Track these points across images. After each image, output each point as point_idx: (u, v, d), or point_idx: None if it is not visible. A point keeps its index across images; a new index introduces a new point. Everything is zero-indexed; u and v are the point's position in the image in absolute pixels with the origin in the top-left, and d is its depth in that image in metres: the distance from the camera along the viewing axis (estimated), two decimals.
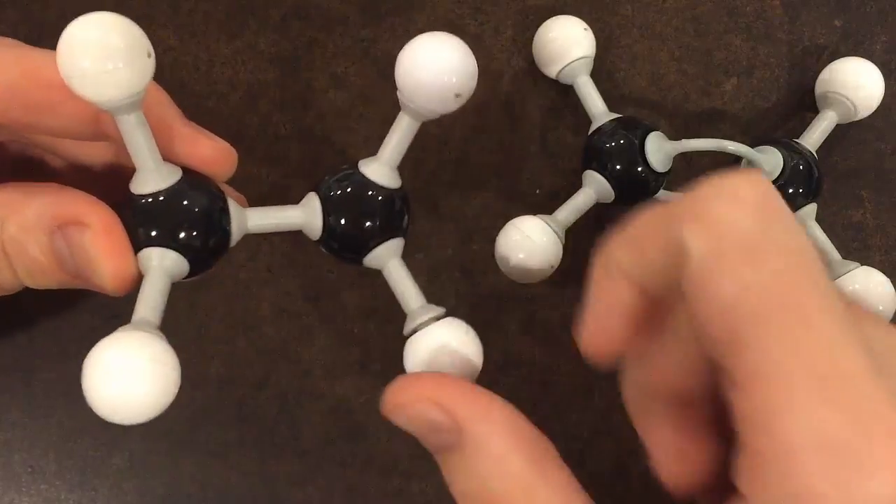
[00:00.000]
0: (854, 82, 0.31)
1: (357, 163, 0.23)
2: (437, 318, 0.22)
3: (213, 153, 0.22)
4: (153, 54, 0.19)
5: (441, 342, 0.21)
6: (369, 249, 0.22)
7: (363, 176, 0.22)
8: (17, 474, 0.31)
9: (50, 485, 0.31)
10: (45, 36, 0.32)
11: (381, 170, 0.22)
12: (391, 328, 0.32)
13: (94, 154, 0.25)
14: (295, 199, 0.33)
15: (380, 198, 0.22)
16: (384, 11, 0.33)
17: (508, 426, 0.19)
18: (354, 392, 0.32)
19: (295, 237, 0.32)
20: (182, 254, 0.21)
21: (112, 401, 0.17)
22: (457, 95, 0.21)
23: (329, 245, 0.23)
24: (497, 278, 0.29)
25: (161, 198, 0.21)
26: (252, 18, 0.33)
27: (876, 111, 0.32)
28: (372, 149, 0.34)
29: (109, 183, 0.25)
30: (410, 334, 0.22)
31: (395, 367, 0.32)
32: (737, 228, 0.16)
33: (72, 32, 0.19)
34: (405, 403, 0.20)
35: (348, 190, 0.22)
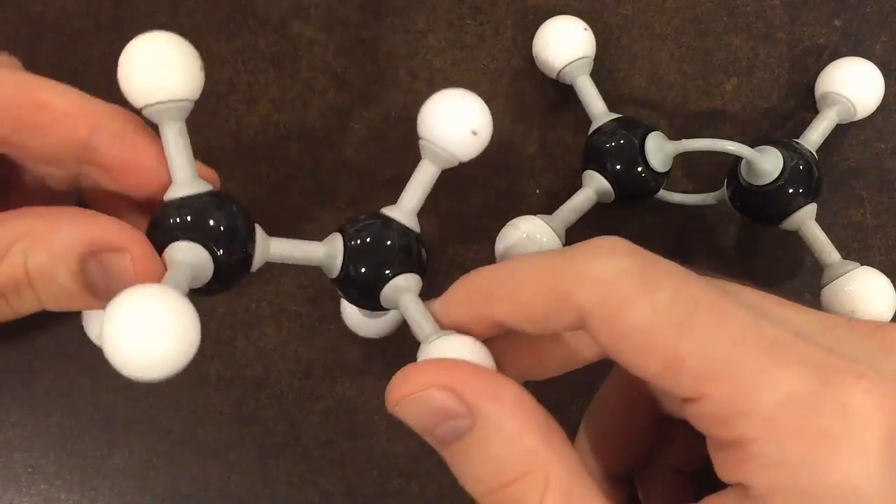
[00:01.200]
0: (854, 82, 0.31)
1: (381, 211, 0.24)
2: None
3: (202, 173, 0.23)
4: (204, 71, 0.22)
5: (449, 353, 0.20)
6: (381, 290, 0.23)
7: (395, 222, 0.23)
8: (17, 474, 0.31)
9: (50, 485, 0.31)
10: (45, 36, 0.32)
11: (406, 217, 0.24)
12: None
13: (65, 179, 0.25)
14: (295, 199, 0.33)
15: (404, 243, 0.23)
16: (384, 11, 0.33)
17: (520, 405, 0.19)
18: (354, 392, 0.32)
19: (294, 237, 0.32)
20: (209, 251, 0.21)
21: (131, 353, 0.17)
22: (474, 133, 0.23)
23: (345, 287, 0.23)
24: None
25: (196, 200, 0.21)
26: (252, 18, 0.33)
27: (876, 111, 0.32)
28: (372, 149, 0.34)
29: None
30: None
31: (395, 367, 0.32)
32: (624, 273, 0.18)
33: (137, 43, 0.21)
34: (413, 393, 0.19)
35: (375, 240, 0.23)
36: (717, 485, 0.19)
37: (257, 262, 0.22)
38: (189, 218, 0.21)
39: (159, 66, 0.21)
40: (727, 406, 0.17)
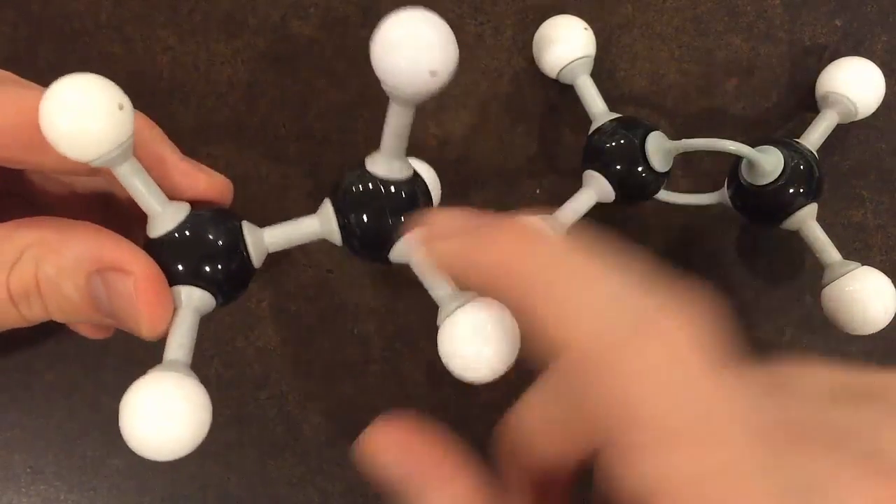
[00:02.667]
0: (854, 82, 0.31)
1: (363, 161, 0.23)
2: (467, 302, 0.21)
3: (209, 187, 0.23)
4: (126, 105, 0.20)
5: (475, 324, 0.21)
6: (391, 245, 0.22)
7: (368, 173, 0.22)
8: (17, 474, 0.31)
9: (50, 485, 0.31)
10: (45, 36, 0.32)
11: (385, 163, 0.22)
12: (391, 328, 0.32)
13: (90, 184, 0.26)
14: (294, 199, 0.33)
15: (390, 190, 0.22)
16: (384, 11, 0.33)
17: (466, 492, 0.19)
18: (354, 392, 0.32)
19: None
20: (206, 288, 0.21)
21: (150, 440, 0.19)
22: (432, 73, 0.19)
23: (352, 247, 0.23)
24: None
25: (173, 237, 0.21)
26: (252, 18, 0.33)
27: (876, 111, 0.32)
28: (372, 149, 0.34)
29: (105, 210, 0.26)
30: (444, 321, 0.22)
31: (395, 367, 0.32)
32: (679, 412, 0.15)
33: (46, 102, 0.19)
34: (373, 456, 0.19)
35: (355, 190, 0.22)
36: None
37: (257, 259, 0.22)
38: (176, 263, 0.21)
39: (79, 125, 0.19)
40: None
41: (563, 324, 0.16)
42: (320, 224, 0.22)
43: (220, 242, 0.21)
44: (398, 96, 0.21)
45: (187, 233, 0.21)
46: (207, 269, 0.21)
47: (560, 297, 0.17)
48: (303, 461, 0.32)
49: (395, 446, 0.19)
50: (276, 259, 0.32)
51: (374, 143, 0.33)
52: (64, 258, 0.20)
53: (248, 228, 0.22)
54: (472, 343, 0.20)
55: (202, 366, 0.32)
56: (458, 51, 0.20)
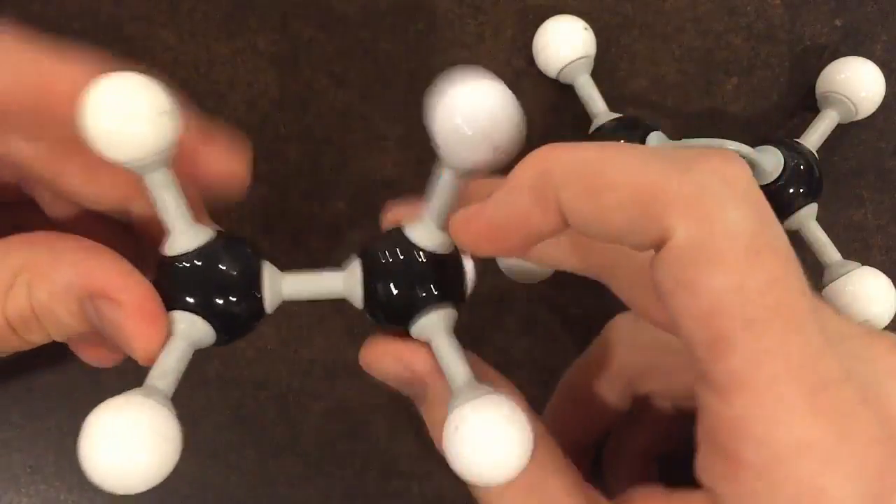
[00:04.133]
0: (854, 82, 0.31)
1: (402, 225, 0.21)
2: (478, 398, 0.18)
3: (226, 169, 0.22)
4: (173, 111, 0.19)
5: (480, 429, 0.18)
6: (413, 319, 0.20)
7: (408, 241, 0.21)
8: (17, 474, 0.31)
9: (49, 485, 0.31)
10: (45, 36, 0.32)
11: (428, 233, 0.21)
12: None
13: (103, 198, 0.24)
14: (295, 199, 0.33)
15: (429, 264, 0.20)
16: (384, 11, 0.33)
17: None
18: (354, 392, 0.32)
19: (294, 237, 0.32)
20: (210, 321, 0.20)
21: (106, 469, 0.17)
22: (495, 149, 0.18)
23: (374, 316, 0.21)
24: (497, 278, 0.29)
25: (188, 261, 0.20)
26: (252, 18, 0.33)
27: (876, 111, 0.32)
28: (372, 149, 0.34)
29: (114, 229, 0.24)
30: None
31: None
32: (734, 226, 0.16)
33: (91, 98, 0.18)
34: (376, 361, 0.21)
35: (391, 258, 0.20)
36: (683, 473, 0.19)
37: (269, 305, 0.21)
38: (185, 289, 0.20)
39: (122, 123, 0.18)
40: (746, 421, 0.16)
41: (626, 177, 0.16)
42: (343, 283, 0.21)
43: (236, 279, 0.20)
44: (457, 167, 0.19)
45: (204, 260, 0.20)
46: (217, 302, 0.20)
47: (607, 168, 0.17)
48: (303, 461, 0.32)
49: (390, 355, 0.21)
50: (276, 259, 0.32)
51: (373, 144, 0.33)
52: (54, 283, 0.20)
53: (268, 271, 0.21)
54: (482, 447, 0.18)
55: (202, 365, 0.32)
56: (524, 129, 0.19)
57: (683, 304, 0.16)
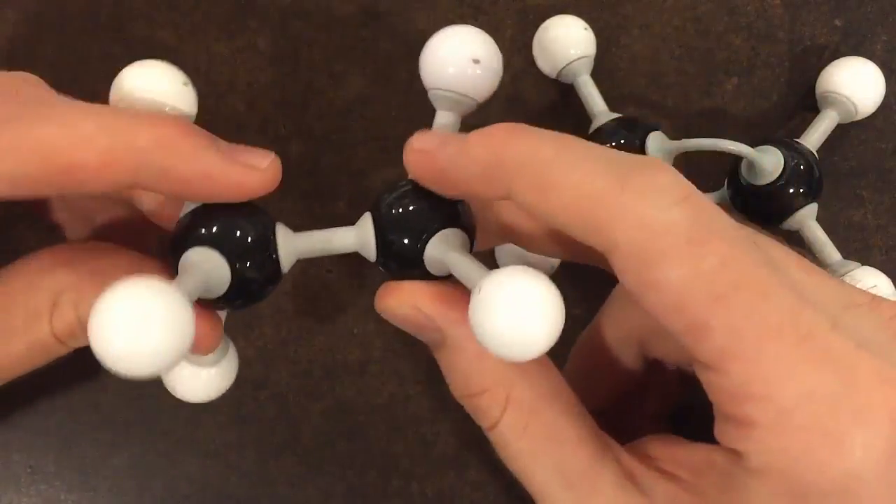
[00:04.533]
0: (854, 82, 0.31)
1: (409, 178, 0.22)
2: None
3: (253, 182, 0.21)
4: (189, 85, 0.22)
5: (512, 290, 0.17)
6: (423, 253, 0.21)
7: (414, 188, 0.21)
8: (17, 474, 0.31)
9: (49, 485, 0.31)
10: (45, 36, 0.32)
11: None
12: (391, 328, 0.32)
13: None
14: (295, 199, 0.33)
15: (436, 209, 0.21)
16: (384, 11, 0.33)
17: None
18: (354, 392, 0.32)
19: None
20: (226, 258, 0.20)
21: (120, 346, 0.16)
22: (475, 61, 0.21)
23: (387, 265, 0.21)
24: None
25: (210, 207, 0.20)
26: (252, 18, 0.33)
27: (876, 111, 0.32)
28: (372, 149, 0.34)
29: (125, 211, 0.25)
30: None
31: (395, 367, 0.32)
32: (672, 225, 0.17)
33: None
34: (392, 307, 0.21)
35: (401, 209, 0.21)
36: (698, 434, 0.19)
37: (286, 263, 0.21)
38: (205, 226, 0.20)
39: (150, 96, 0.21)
40: (745, 386, 0.17)
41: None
42: (356, 237, 0.21)
43: (253, 233, 0.20)
44: (450, 99, 0.21)
45: (226, 207, 0.20)
46: (235, 240, 0.20)
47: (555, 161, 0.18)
48: (303, 461, 0.32)
49: (410, 297, 0.21)
50: None
51: (374, 143, 0.33)
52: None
53: (282, 230, 0.21)
54: (514, 312, 0.17)
55: None
56: (498, 51, 0.21)
57: (652, 301, 0.17)
